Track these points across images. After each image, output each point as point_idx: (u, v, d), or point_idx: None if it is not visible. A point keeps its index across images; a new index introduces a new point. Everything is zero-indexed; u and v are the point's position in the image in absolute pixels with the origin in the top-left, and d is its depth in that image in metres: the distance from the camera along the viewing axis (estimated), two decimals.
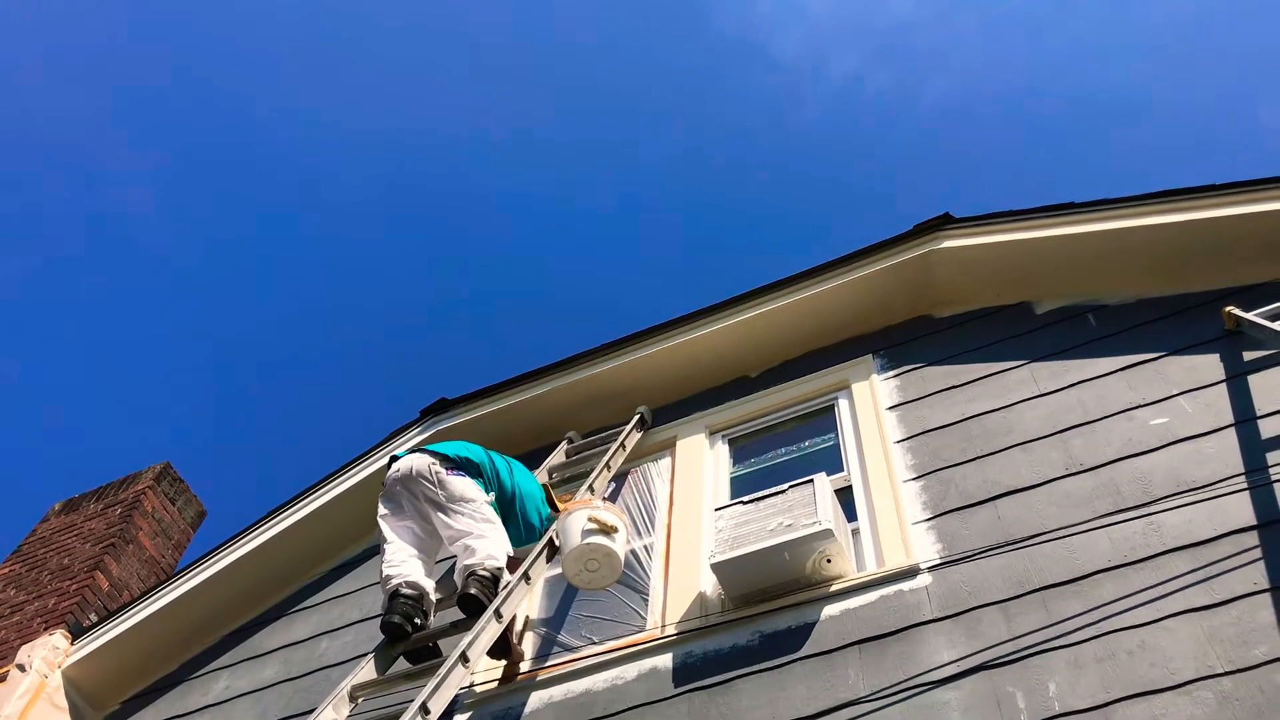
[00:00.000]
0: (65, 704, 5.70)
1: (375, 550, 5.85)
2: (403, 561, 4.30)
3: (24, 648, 5.83)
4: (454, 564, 4.37)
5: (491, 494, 4.54)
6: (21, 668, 5.67)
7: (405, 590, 4.15)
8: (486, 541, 4.26)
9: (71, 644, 5.90)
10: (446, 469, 4.51)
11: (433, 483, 4.45)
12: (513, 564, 4.35)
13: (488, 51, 16.88)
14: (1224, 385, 4.13)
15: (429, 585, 4.25)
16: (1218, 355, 4.28)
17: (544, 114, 17.31)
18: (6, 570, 6.88)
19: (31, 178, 16.50)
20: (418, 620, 4.08)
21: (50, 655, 5.76)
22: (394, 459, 4.68)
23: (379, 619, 5.04)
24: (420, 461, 4.54)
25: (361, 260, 17.89)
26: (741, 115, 17.30)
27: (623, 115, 17.47)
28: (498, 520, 4.44)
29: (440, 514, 4.40)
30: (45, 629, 6.00)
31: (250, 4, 16.58)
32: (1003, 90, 16.32)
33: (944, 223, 5.39)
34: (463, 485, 4.46)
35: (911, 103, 16.47)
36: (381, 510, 4.52)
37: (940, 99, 16.35)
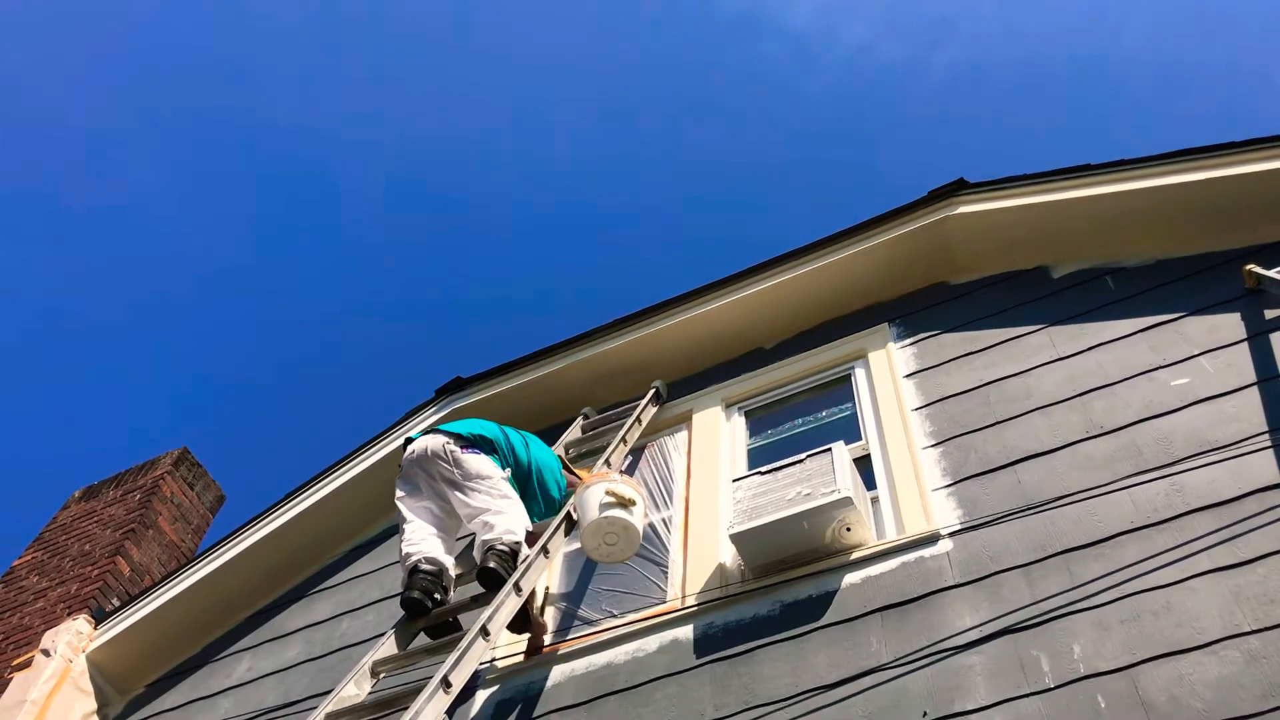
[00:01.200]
0: (90, 688, 5.74)
1: (394, 529, 5.83)
2: (421, 540, 4.30)
3: (48, 633, 5.86)
4: (473, 540, 4.37)
5: (508, 470, 4.53)
6: (46, 653, 5.71)
7: (424, 566, 4.15)
8: (504, 517, 4.26)
9: (95, 629, 5.93)
10: (461, 447, 4.51)
11: (448, 462, 4.45)
12: (531, 538, 4.34)
13: (495, 33, 16.80)
14: (1245, 344, 4.08)
15: (448, 561, 4.25)
16: (1239, 314, 4.23)
17: (553, 93, 17.28)
18: (29, 558, 6.92)
19: (52, 172, 16.54)
20: (437, 595, 4.09)
21: (74, 640, 5.80)
22: (409, 440, 4.68)
23: (399, 596, 5.09)
24: (435, 441, 4.54)
25: (375, 243, 17.90)
26: (751, 87, 17.19)
27: (631, 92, 17.40)
28: (515, 495, 4.43)
29: (457, 492, 4.39)
30: (69, 614, 6.04)
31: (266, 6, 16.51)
32: (1014, 57, 16.20)
33: (958, 188, 5.34)
34: (478, 462, 4.45)
35: (922, 71, 16.34)
36: (399, 492, 4.52)
37: (951, 66, 16.22)
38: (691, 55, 17.27)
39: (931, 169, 16.15)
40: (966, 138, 16.46)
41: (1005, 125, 16.36)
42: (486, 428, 4.70)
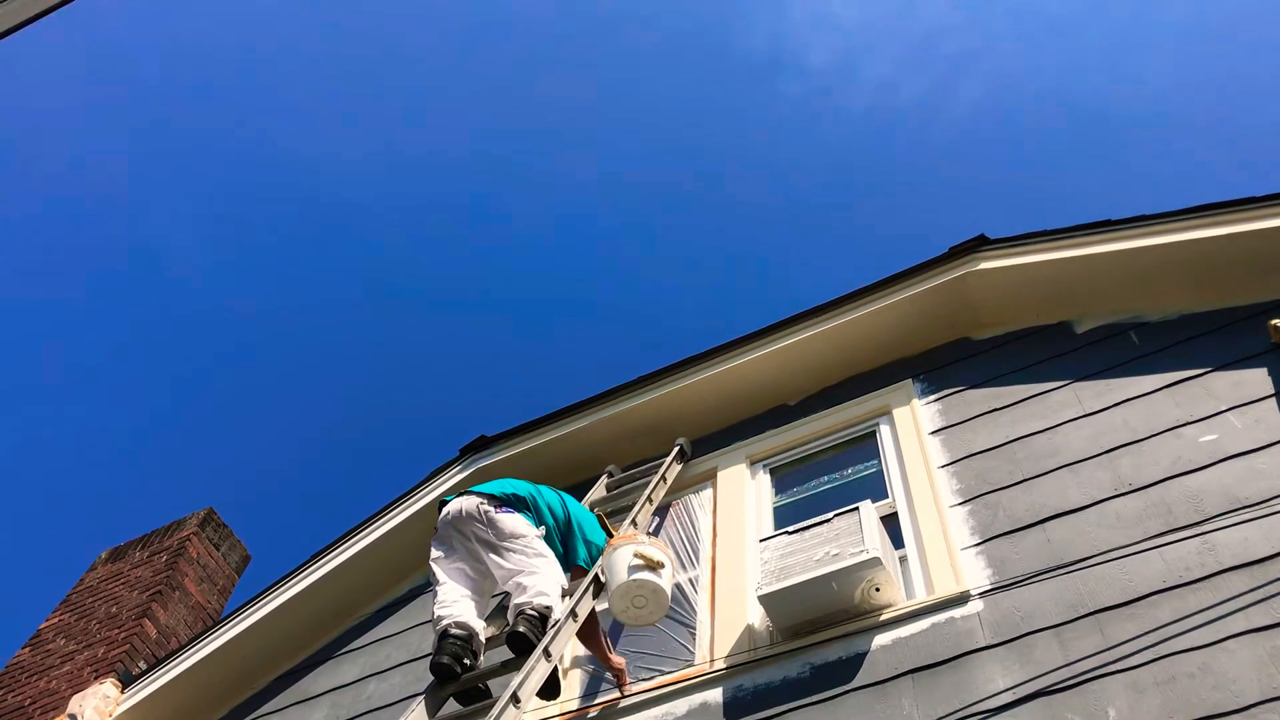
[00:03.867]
0: None
1: (421, 589, 5.88)
2: (454, 602, 4.30)
3: (75, 697, 5.87)
4: (506, 600, 4.36)
5: (542, 528, 4.54)
6: (73, 718, 5.71)
7: (454, 630, 4.14)
8: (537, 577, 4.26)
9: (122, 692, 5.93)
10: (495, 507, 4.52)
11: (483, 522, 4.46)
12: (572, 587, 4.34)
13: (512, 78, 16.98)
14: (1273, 400, 4.07)
15: (479, 626, 4.24)
16: (1265, 369, 4.22)
17: (576, 141, 17.37)
18: (56, 620, 6.94)
19: (67, 216, 16.72)
20: (467, 661, 4.07)
21: (101, 704, 5.80)
22: (444, 502, 4.69)
23: (427, 659, 5.06)
24: (470, 502, 4.55)
25: (399, 303, 18.00)
26: (773, 129, 17.28)
27: (653, 137, 17.50)
28: (550, 554, 4.43)
29: (492, 554, 4.40)
30: (96, 678, 6.04)
31: (278, 30, 16.75)
32: (1037, 92, 16.25)
33: (980, 244, 5.36)
34: (513, 522, 4.46)
35: (946, 107, 16.41)
36: (434, 553, 4.53)
37: (974, 102, 16.29)
38: (711, 97, 17.38)
39: (955, 208, 16.10)
40: (991, 174, 16.49)
41: (1029, 160, 16.38)
42: (519, 486, 4.72)
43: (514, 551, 4.36)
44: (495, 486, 4.68)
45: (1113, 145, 15.85)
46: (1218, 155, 15.01)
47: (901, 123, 16.86)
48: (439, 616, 4.23)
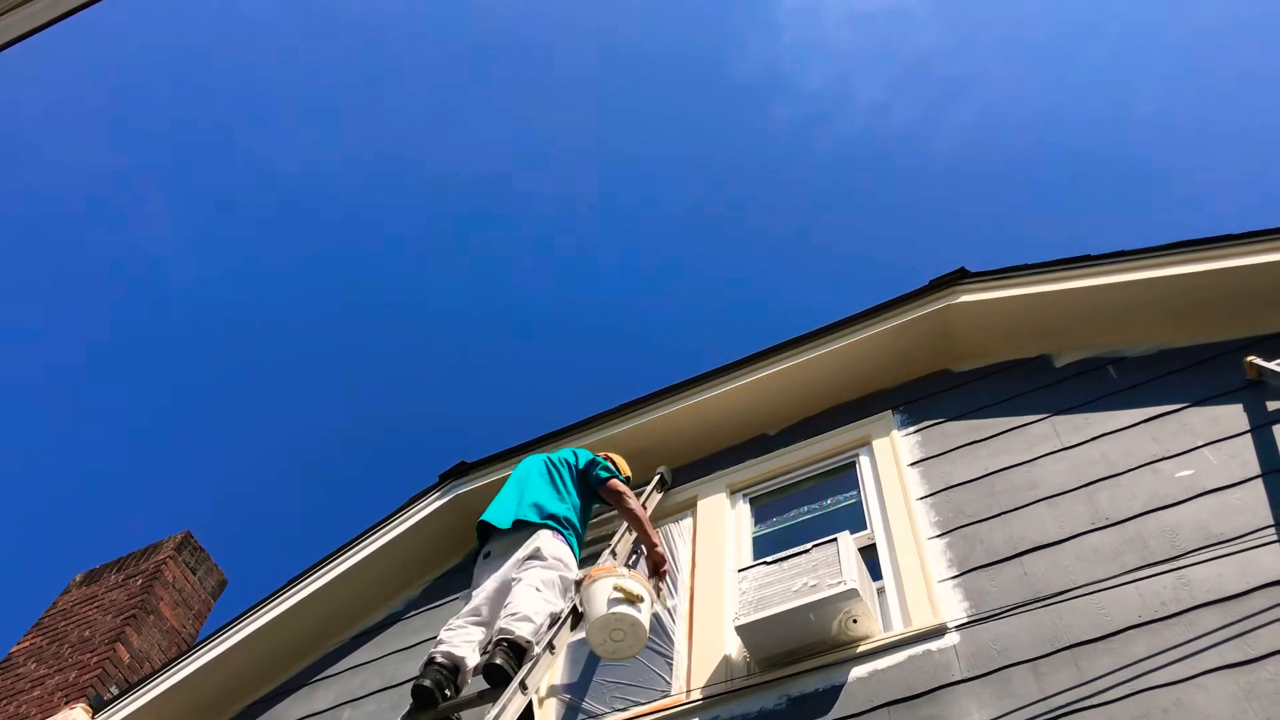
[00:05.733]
0: None
1: (398, 617, 5.86)
2: (458, 629, 4.34)
3: None
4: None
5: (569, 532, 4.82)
6: None
7: (439, 660, 4.16)
8: (534, 601, 4.30)
9: (93, 718, 5.87)
10: (554, 531, 4.75)
11: (530, 540, 4.67)
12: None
13: (502, 95, 17.01)
14: (1249, 435, 4.09)
15: (471, 662, 4.23)
16: (1241, 405, 4.25)
17: (566, 163, 17.37)
18: (27, 644, 6.86)
19: (48, 226, 16.63)
20: (448, 692, 4.07)
21: None
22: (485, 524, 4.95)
23: (402, 686, 5.04)
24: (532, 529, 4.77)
25: (378, 326, 17.97)
26: (764, 153, 17.33)
27: (644, 161, 17.54)
28: (558, 587, 4.51)
29: (521, 566, 4.57)
30: (66, 703, 5.97)
31: (277, 36, 16.75)
32: (1026, 120, 16.38)
33: (960, 277, 5.40)
34: (559, 549, 4.67)
35: (937, 133, 16.51)
36: (481, 557, 4.82)
37: (964, 127, 16.41)
38: (706, 125, 17.44)
39: (944, 235, 16.14)
40: (979, 202, 16.59)
41: (1017, 189, 16.50)
42: (543, 498, 4.97)
43: (542, 568, 4.51)
44: (550, 513, 4.86)
45: (1100, 176, 16.00)
46: (1204, 187, 15.16)
47: (893, 148, 16.98)
48: (437, 641, 4.28)
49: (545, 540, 4.63)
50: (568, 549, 4.69)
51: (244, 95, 16.81)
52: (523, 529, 4.74)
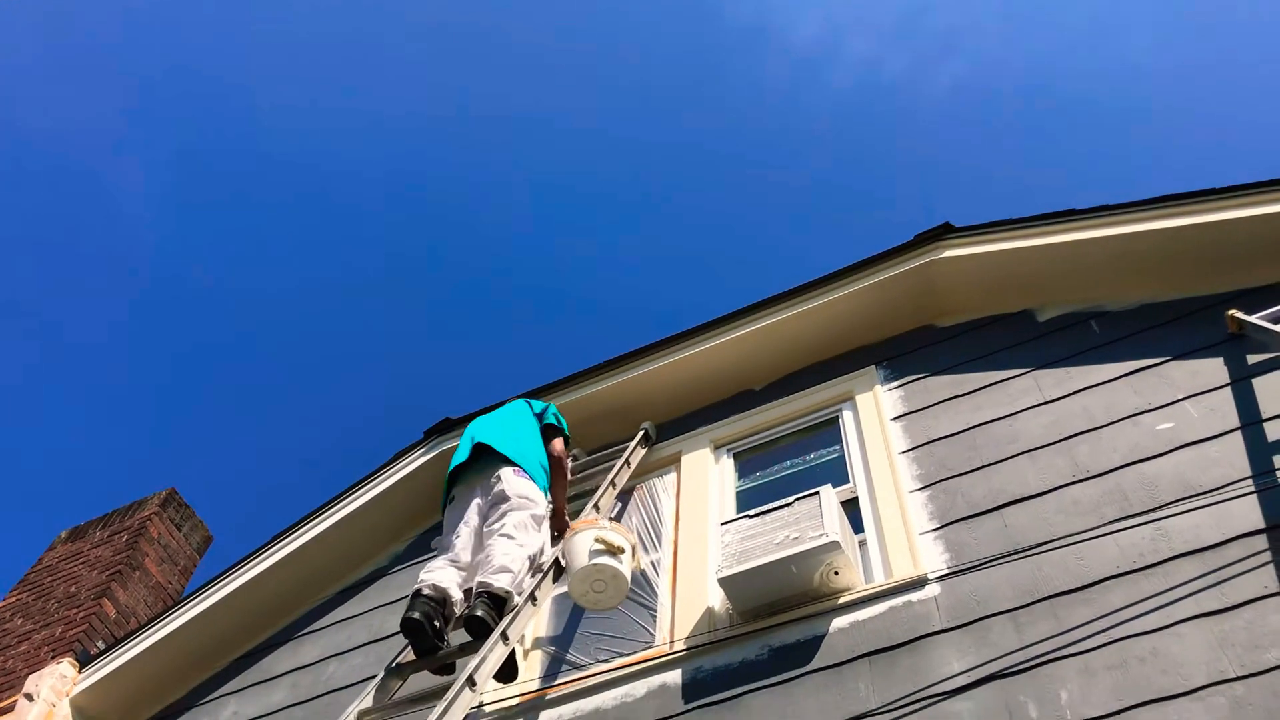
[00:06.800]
0: None
1: (383, 572, 5.89)
2: (438, 569, 4.37)
3: (32, 677, 5.81)
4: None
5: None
6: (30, 697, 5.66)
7: (426, 592, 4.21)
8: (510, 550, 4.31)
9: (79, 672, 5.89)
10: (515, 469, 4.75)
11: (499, 481, 4.67)
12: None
13: (488, 44, 16.83)
14: (1228, 389, 4.12)
15: (456, 595, 4.28)
16: (1221, 359, 4.27)
17: (552, 110, 17.23)
18: (13, 599, 6.87)
19: (27, 184, 16.45)
20: (437, 623, 4.10)
21: (58, 684, 5.75)
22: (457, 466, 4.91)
23: (388, 639, 5.08)
24: (496, 466, 4.76)
25: (363, 282, 17.89)
26: (756, 105, 17.21)
27: (631, 110, 17.42)
28: (531, 527, 4.53)
29: (493, 509, 4.60)
30: (53, 657, 5.99)
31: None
32: (1018, 72, 16.31)
33: (944, 232, 5.39)
34: (525, 486, 4.66)
35: (929, 84, 16.42)
36: (450, 499, 4.83)
37: (956, 79, 16.33)
38: (694, 74, 17.28)
39: (937, 186, 16.09)
40: (969, 156, 16.55)
41: (1006, 143, 16.45)
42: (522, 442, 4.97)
43: (503, 516, 4.51)
44: (512, 449, 4.85)
45: (1090, 129, 15.96)
46: (1195, 140, 15.15)
47: (883, 101, 16.91)
48: (420, 578, 4.33)
49: (508, 479, 4.66)
50: (531, 484, 4.70)
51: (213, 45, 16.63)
52: (485, 469, 4.76)
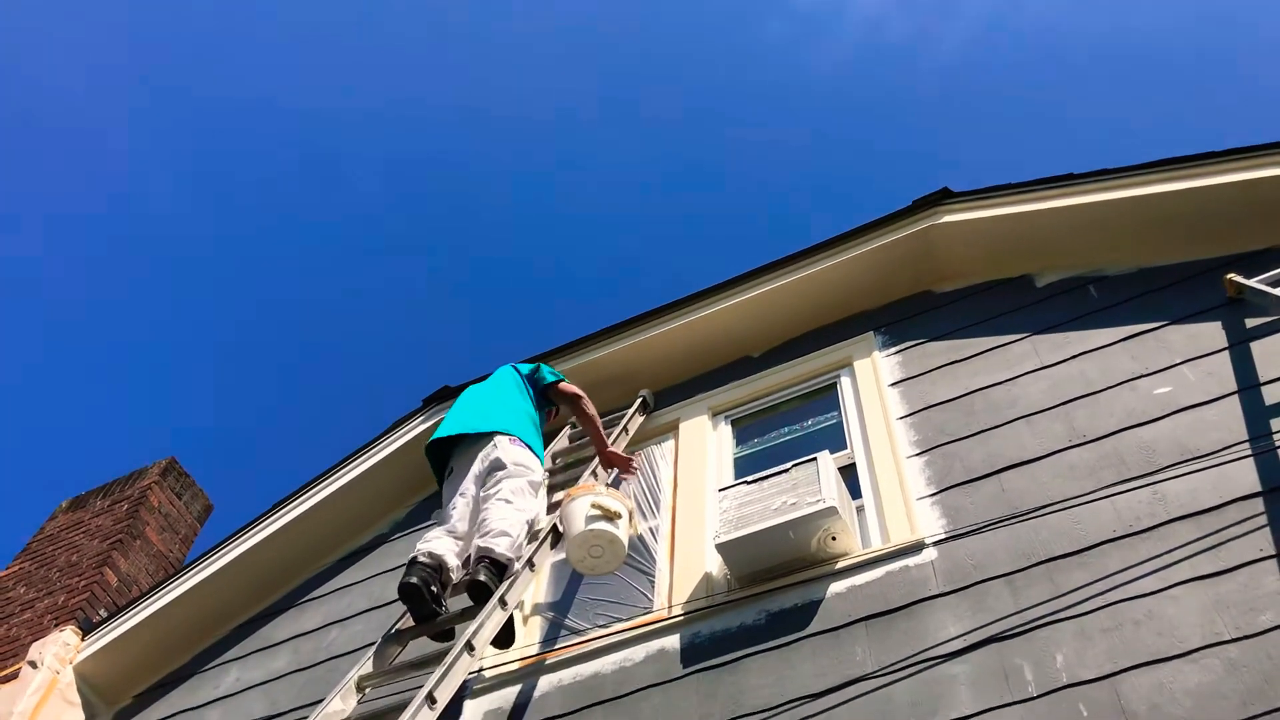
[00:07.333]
0: (77, 699, 5.73)
1: (383, 539, 5.91)
2: (435, 538, 4.38)
3: (35, 645, 5.85)
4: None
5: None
6: (33, 664, 5.70)
7: (423, 559, 4.22)
8: (508, 514, 4.32)
9: (82, 640, 5.92)
10: (510, 438, 4.74)
11: (494, 450, 4.65)
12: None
13: (487, 11, 16.71)
14: (1226, 353, 4.11)
15: (453, 562, 4.29)
16: (1220, 323, 4.27)
17: (545, 77, 17.12)
18: (16, 568, 6.90)
19: (32, 167, 16.39)
20: (434, 588, 4.12)
21: (61, 651, 5.79)
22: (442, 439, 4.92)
23: (389, 606, 5.10)
24: (488, 438, 4.76)
25: (359, 248, 17.85)
26: (756, 66, 17.06)
27: (627, 73, 17.29)
28: (528, 492, 4.54)
29: (485, 480, 4.59)
30: (56, 625, 6.02)
31: None
32: (1023, 32, 16.16)
33: (943, 198, 5.37)
34: (514, 452, 4.65)
35: (933, 47, 16.29)
36: (448, 472, 4.81)
37: (961, 42, 16.19)
38: (692, 32, 17.13)
39: (940, 151, 15.97)
40: (973, 119, 16.42)
41: (1013, 103, 16.32)
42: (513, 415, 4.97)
43: (508, 478, 4.52)
44: (503, 420, 4.85)
45: (1094, 91, 15.86)
46: (1200, 103, 15.05)
47: (886, 63, 16.77)
48: (416, 548, 4.34)
49: (503, 448, 4.65)
50: (527, 451, 4.71)
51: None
52: (480, 440, 4.75)
